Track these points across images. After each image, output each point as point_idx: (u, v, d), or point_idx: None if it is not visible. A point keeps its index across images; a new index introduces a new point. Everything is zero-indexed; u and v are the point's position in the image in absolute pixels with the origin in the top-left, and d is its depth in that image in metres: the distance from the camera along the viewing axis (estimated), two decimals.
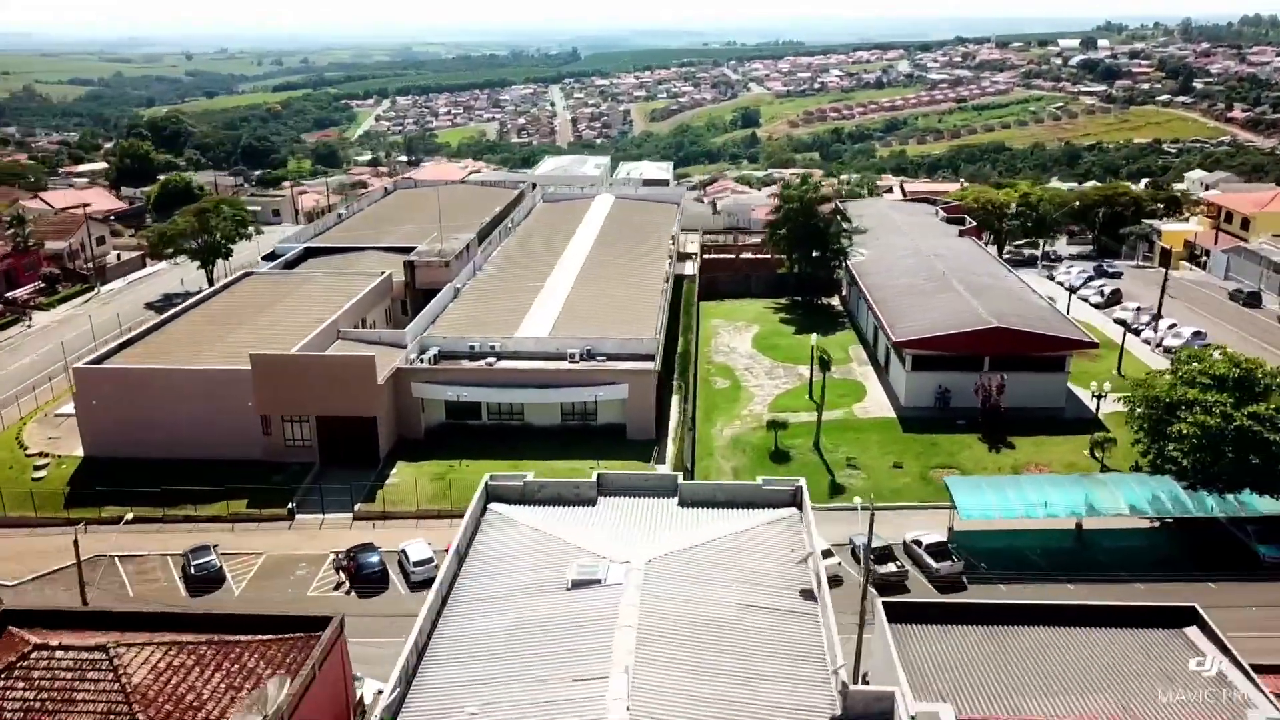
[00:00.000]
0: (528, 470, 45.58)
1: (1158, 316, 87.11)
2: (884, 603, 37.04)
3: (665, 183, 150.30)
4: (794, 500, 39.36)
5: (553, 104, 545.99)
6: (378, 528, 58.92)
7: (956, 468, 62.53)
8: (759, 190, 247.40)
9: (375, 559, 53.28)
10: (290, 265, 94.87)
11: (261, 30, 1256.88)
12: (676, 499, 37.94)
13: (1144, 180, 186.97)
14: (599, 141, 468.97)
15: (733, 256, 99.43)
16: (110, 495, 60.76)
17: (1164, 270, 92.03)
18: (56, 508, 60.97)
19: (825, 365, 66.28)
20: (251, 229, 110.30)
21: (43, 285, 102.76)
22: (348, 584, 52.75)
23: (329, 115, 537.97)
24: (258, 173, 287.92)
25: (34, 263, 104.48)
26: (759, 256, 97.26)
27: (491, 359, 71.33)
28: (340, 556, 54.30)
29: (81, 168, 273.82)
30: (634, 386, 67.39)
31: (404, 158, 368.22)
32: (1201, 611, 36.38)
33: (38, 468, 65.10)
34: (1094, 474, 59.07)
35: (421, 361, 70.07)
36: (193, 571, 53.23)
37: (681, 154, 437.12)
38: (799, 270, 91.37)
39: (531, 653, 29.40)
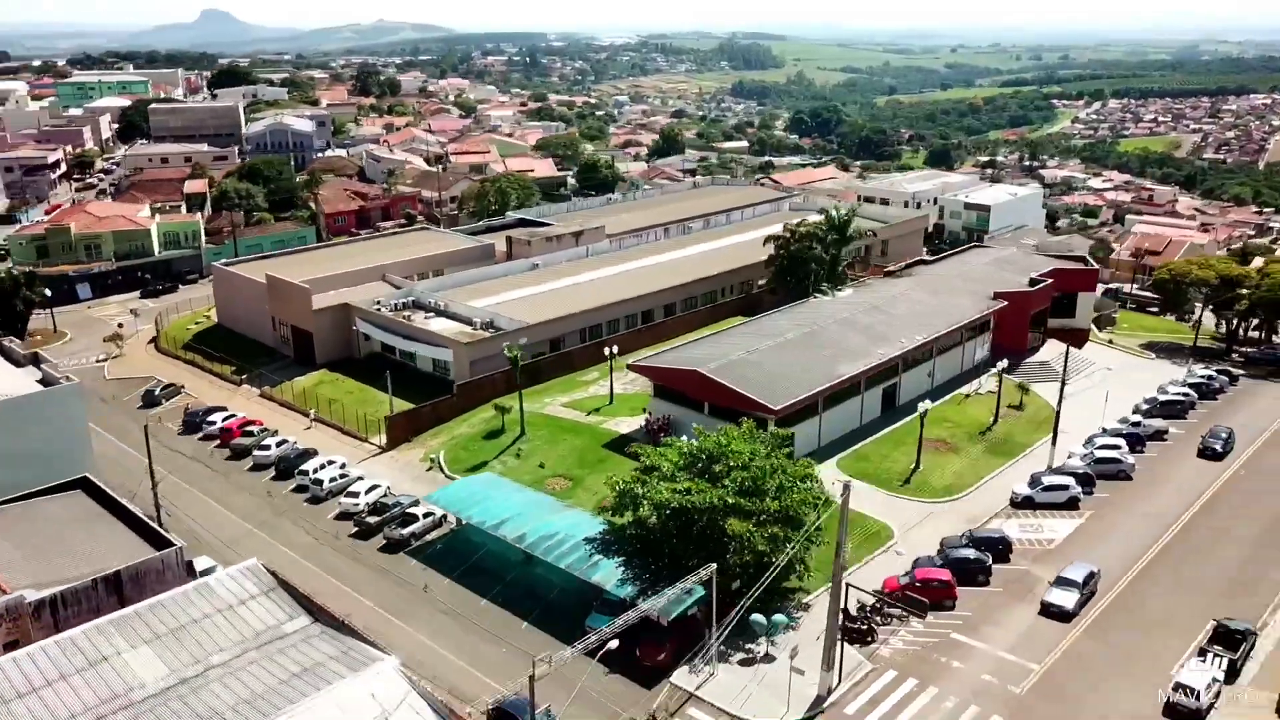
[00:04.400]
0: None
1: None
2: None
3: (987, 209, 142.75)
4: None
5: None
6: (256, 403, 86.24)
7: (572, 480, 67.64)
8: None
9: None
10: (493, 229, 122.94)
11: (1044, 25, 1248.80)
12: None
13: None
14: None
15: None
16: (197, 349, 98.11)
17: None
18: (177, 347, 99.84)
19: (515, 362, 74.46)
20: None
21: (403, 221, 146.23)
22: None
23: (1027, 114, 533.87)
24: (859, 163, 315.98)
25: (405, 206, 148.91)
26: None
27: (430, 313, 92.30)
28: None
29: (727, 145, 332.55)
30: (456, 352, 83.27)
31: (1015, 158, 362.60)
32: None
33: (196, 323, 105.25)
34: (577, 507, 60.64)
35: (390, 304, 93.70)
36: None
37: None
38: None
39: None
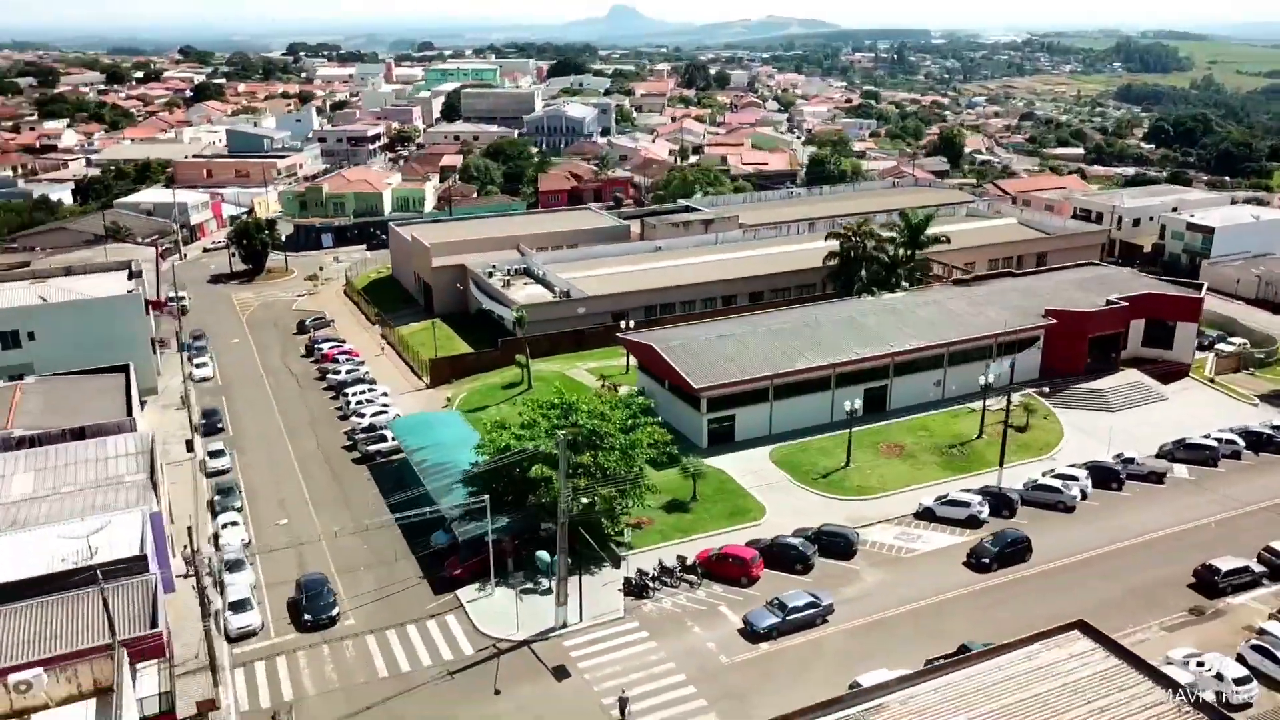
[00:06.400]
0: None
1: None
2: None
3: (1210, 231, 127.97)
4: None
5: None
6: (377, 340, 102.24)
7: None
8: None
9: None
10: (655, 214, 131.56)
11: None
12: None
13: None
14: None
15: None
16: (364, 294, 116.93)
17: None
18: (354, 291, 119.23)
19: (520, 322, 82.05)
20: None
21: (611, 204, 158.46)
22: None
23: None
24: (1205, 177, 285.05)
25: (618, 189, 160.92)
26: None
27: (530, 279, 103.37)
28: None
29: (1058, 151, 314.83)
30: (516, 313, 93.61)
31: None
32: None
33: (377, 273, 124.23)
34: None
35: (504, 269, 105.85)
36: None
37: None
38: None
39: None
